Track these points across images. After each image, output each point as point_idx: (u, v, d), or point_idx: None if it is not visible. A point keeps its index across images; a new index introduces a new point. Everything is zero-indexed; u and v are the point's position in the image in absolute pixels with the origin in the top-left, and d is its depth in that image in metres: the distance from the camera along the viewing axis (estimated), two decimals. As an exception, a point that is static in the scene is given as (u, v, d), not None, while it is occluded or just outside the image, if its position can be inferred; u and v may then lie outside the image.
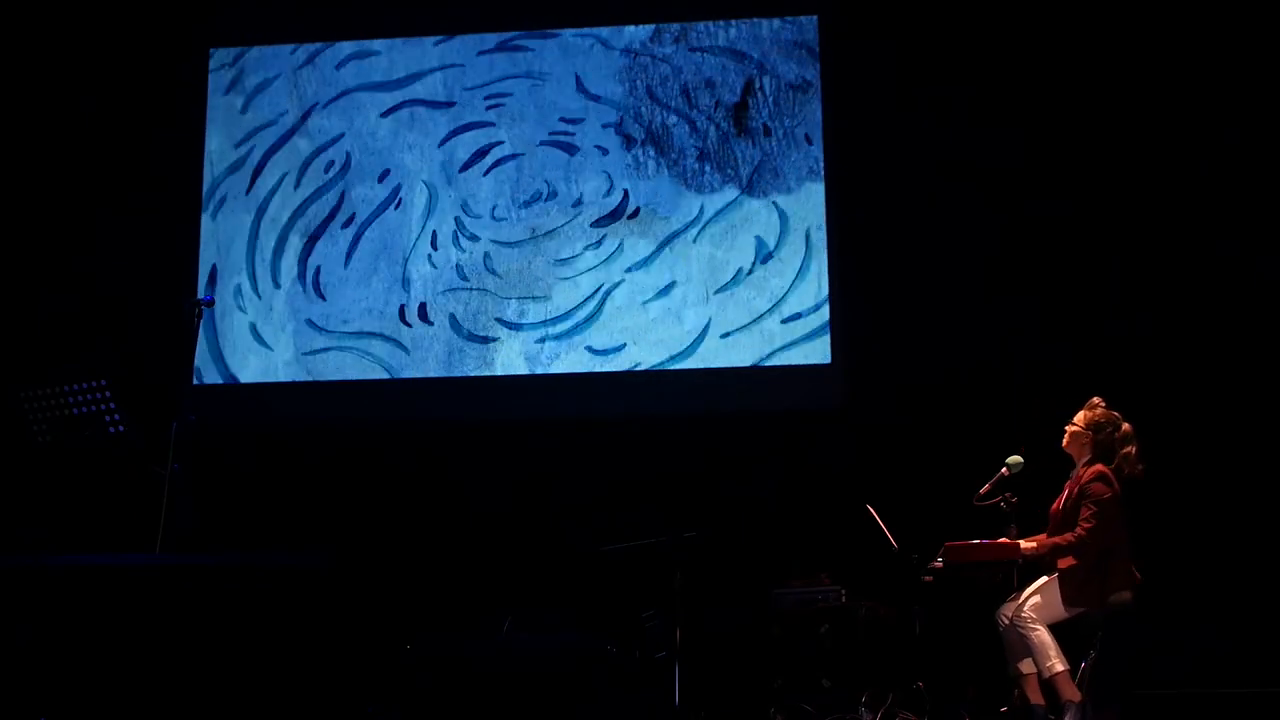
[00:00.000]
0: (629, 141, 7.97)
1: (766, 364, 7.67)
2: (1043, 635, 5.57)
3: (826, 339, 7.64)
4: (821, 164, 7.80)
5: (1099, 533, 5.64)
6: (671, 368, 7.73)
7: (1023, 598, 5.68)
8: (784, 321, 7.69)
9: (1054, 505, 5.90)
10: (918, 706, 6.09)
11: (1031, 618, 5.60)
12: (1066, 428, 5.90)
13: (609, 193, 7.94)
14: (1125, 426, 5.84)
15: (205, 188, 8.21)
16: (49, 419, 5.82)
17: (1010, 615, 5.68)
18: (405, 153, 8.13)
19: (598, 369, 7.79)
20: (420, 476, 7.72)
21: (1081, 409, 5.90)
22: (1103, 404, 5.89)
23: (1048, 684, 5.59)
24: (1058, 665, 5.53)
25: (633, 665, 6.28)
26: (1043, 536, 5.82)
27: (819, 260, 7.72)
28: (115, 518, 6.66)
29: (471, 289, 7.95)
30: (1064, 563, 5.67)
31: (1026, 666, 5.65)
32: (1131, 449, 5.79)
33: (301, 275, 8.08)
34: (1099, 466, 5.75)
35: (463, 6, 8.25)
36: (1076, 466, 5.88)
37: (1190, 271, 7.34)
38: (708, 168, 7.90)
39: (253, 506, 7.53)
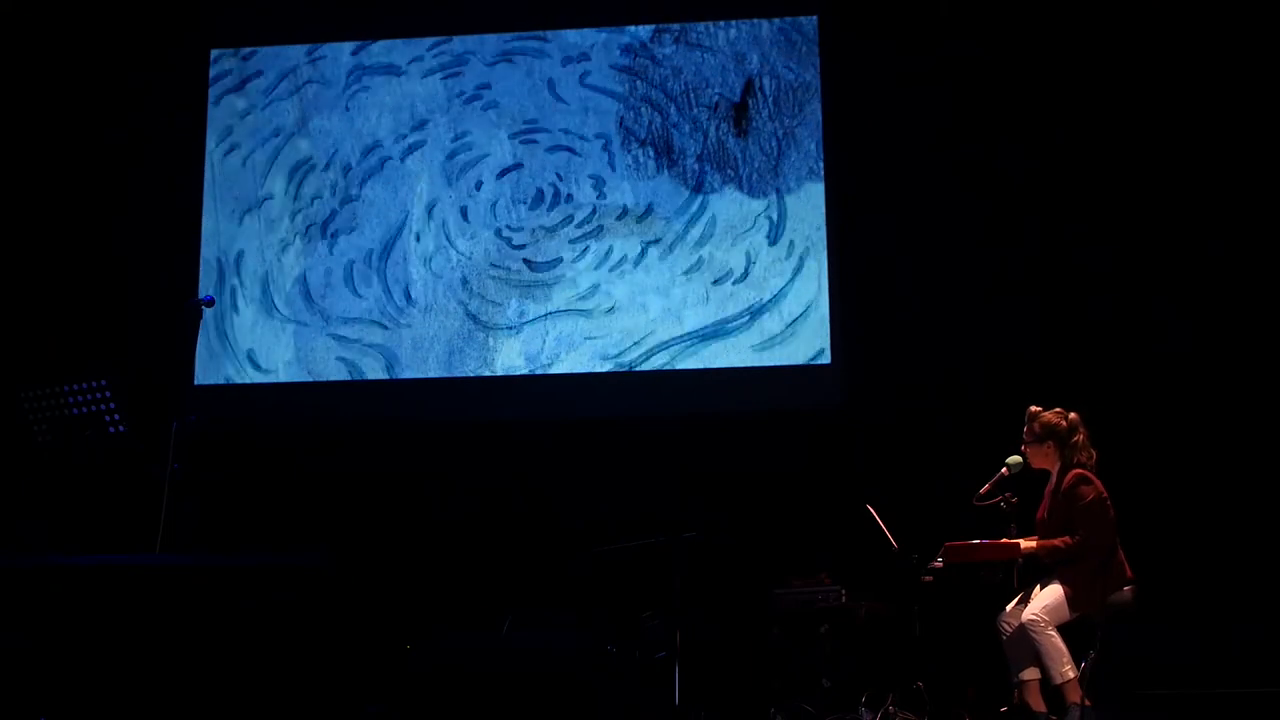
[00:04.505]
0: (629, 142, 7.97)
1: (766, 364, 7.67)
2: (1056, 640, 5.55)
3: (826, 339, 7.64)
4: (821, 164, 7.80)
5: (1096, 535, 5.66)
6: (671, 368, 7.74)
7: (1031, 604, 5.66)
8: (784, 321, 7.69)
9: (1039, 513, 5.91)
10: (918, 706, 6.09)
11: (1045, 621, 5.57)
12: (1023, 448, 5.90)
13: (609, 193, 7.95)
14: (1072, 416, 5.86)
15: (205, 188, 8.21)
16: (49, 419, 5.83)
17: (1016, 622, 5.66)
18: (406, 154, 8.14)
19: (598, 369, 7.79)
20: (420, 476, 7.72)
21: (1024, 427, 5.91)
22: (1040, 409, 5.90)
23: (1052, 689, 5.58)
24: (1070, 672, 5.52)
25: (633, 665, 6.27)
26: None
27: (819, 260, 7.72)
28: (115, 518, 6.66)
29: (472, 289, 7.95)
30: (1065, 568, 5.68)
31: (1029, 674, 5.64)
32: (1080, 436, 5.81)
33: (302, 275, 8.08)
34: (1076, 470, 5.76)
35: (462, 7, 8.25)
36: (1052, 475, 5.88)
37: (1191, 271, 7.34)
38: (707, 168, 7.90)
39: (253, 506, 7.53)
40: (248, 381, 8.00)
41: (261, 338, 8.04)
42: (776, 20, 7.98)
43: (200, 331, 6.63)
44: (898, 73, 7.71)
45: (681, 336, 7.76)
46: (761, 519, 7.33)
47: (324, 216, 8.12)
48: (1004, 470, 5.94)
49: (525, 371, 7.85)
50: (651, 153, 7.95)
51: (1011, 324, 7.41)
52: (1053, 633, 5.57)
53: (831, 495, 7.09)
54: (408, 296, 7.98)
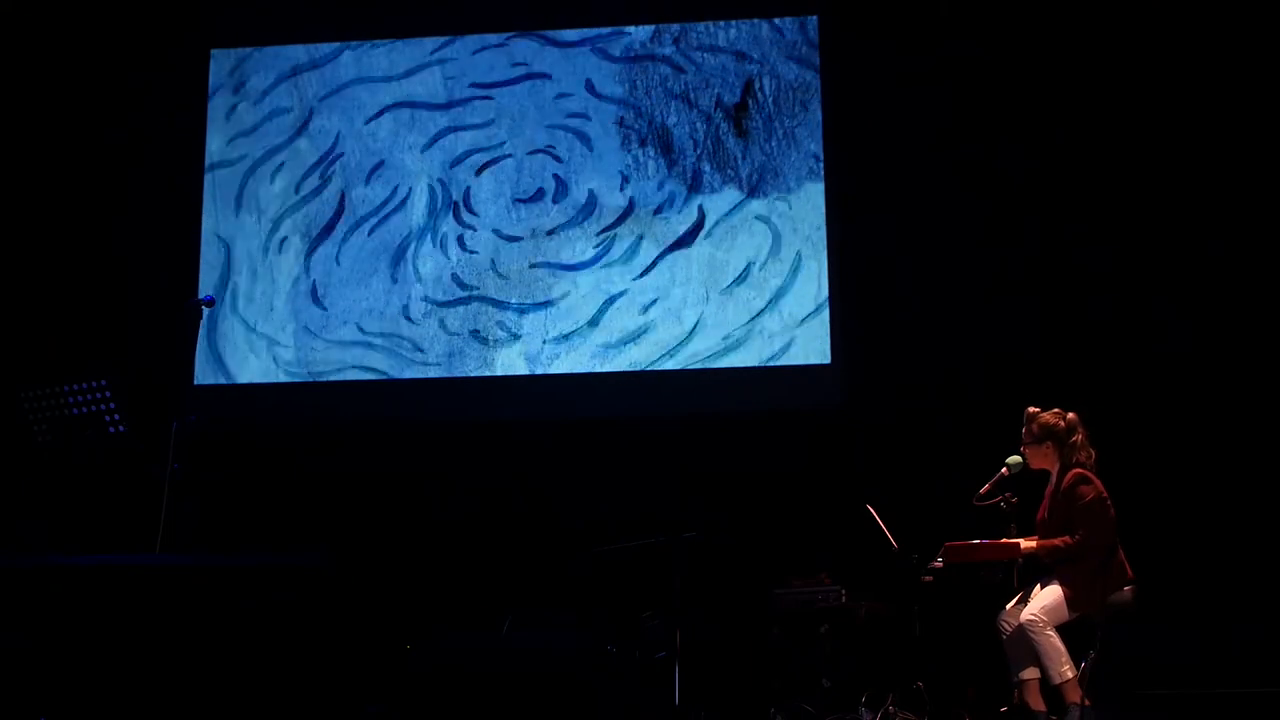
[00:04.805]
0: (629, 142, 7.97)
1: (767, 364, 7.67)
2: (1055, 640, 5.55)
3: (826, 339, 7.64)
4: (821, 164, 7.80)
5: (1096, 535, 5.66)
6: (671, 368, 7.73)
7: (1030, 604, 5.66)
8: (784, 321, 7.69)
9: (1039, 514, 5.91)
10: (918, 706, 6.09)
11: (1044, 621, 5.57)
12: (1022, 449, 5.90)
13: (609, 193, 7.94)
14: (1070, 416, 5.86)
15: (205, 188, 8.21)
16: (49, 419, 5.83)
17: (1015, 622, 5.67)
18: (405, 154, 8.14)
19: (598, 369, 7.79)
20: (421, 477, 7.72)
21: (1023, 427, 5.91)
22: (1038, 409, 5.90)
23: (1052, 689, 5.58)
24: (1069, 672, 5.52)
25: (633, 665, 6.27)
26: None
27: (819, 260, 7.72)
28: (115, 518, 6.66)
29: (471, 289, 7.95)
30: (1065, 568, 5.68)
31: (1029, 673, 5.64)
32: (1079, 436, 5.81)
33: (302, 275, 8.08)
34: (1076, 470, 5.76)
35: (463, 7, 8.25)
36: (1051, 476, 5.89)
37: (1191, 271, 7.35)
38: (707, 168, 7.90)
39: (253, 506, 7.53)
40: (247, 381, 7.99)
41: (261, 338, 8.04)
42: (776, 20, 7.98)
43: (200, 331, 6.63)
44: (898, 73, 7.71)
45: (681, 336, 7.76)
46: (761, 519, 7.33)
47: (324, 216, 8.12)
48: (1004, 470, 5.94)
49: (525, 372, 7.84)
50: (651, 152, 7.95)
51: (1011, 324, 7.41)
52: (1051, 633, 5.57)
53: (831, 495, 7.09)
54: (408, 296, 7.98)
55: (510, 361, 7.86)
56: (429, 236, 8.03)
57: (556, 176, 8.00)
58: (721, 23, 8.02)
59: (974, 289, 7.52)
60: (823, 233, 7.74)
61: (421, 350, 7.93)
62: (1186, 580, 6.55)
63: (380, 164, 8.13)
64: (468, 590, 7.23)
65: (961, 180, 7.56)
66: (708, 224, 7.85)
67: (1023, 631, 5.62)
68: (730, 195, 7.85)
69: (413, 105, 8.17)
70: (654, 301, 7.82)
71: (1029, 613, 5.61)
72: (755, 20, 7.99)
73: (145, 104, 8.23)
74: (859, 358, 7.60)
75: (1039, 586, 5.74)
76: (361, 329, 7.97)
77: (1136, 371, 7.25)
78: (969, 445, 6.56)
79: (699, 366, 7.71)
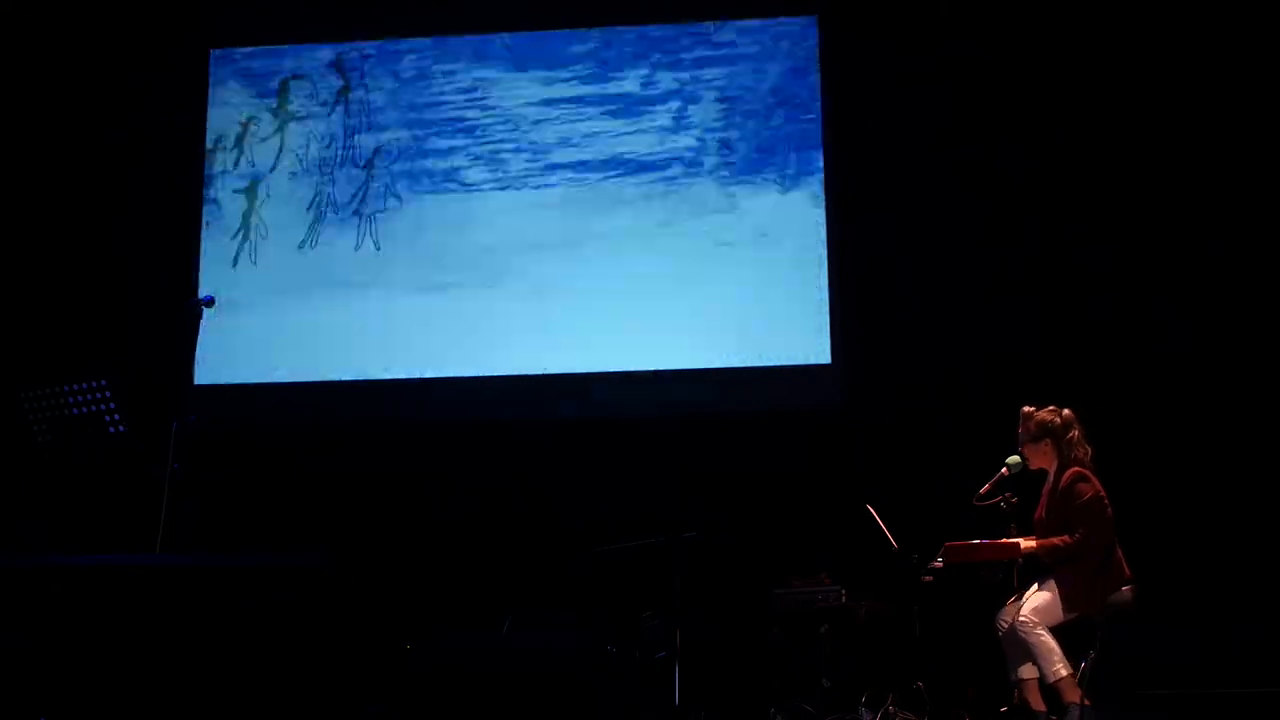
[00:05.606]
0: (629, 141, 7.96)
1: (766, 364, 7.66)
2: (1047, 639, 5.56)
3: (826, 339, 7.64)
4: (821, 164, 7.80)
5: (1094, 534, 5.66)
6: (671, 368, 7.73)
7: (1023, 602, 5.67)
8: (784, 321, 7.69)
9: (1036, 513, 5.91)
10: (918, 706, 6.09)
11: (1034, 621, 5.58)
12: (1021, 449, 5.90)
13: (608, 192, 7.94)
14: (1066, 413, 5.87)
15: (205, 187, 8.22)
16: (49, 419, 5.83)
17: (1010, 620, 5.68)
18: (407, 150, 8.13)
19: (597, 369, 7.79)
20: (420, 476, 7.72)
21: (1019, 428, 5.91)
22: (1033, 408, 5.91)
23: (1050, 688, 5.58)
24: (1062, 670, 5.52)
25: (633, 665, 6.27)
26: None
27: (819, 260, 7.72)
28: (115, 518, 6.66)
29: (471, 289, 7.94)
30: (1064, 568, 5.68)
31: (1027, 672, 5.65)
32: (1075, 432, 5.81)
33: (302, 275, 8.07)
34: (1074, 469, 5.77)
35: (463, 7, 8.26)
36: (1049, 475, 5.89)
37: (1191, 271, 7.35)
38: (707, 168, 7.89)
39: (252, 506, 7.53)
40: (247, 382, 7.99)
41: (261, 337, 8.03)
42: (777, 20, 7.98)
43: (200, 330, 6.61)
44: (898, 73, 7.71)
45: (680, 336, 7.75)
46: (761, 519, 7.33)
47: (323, 215, 8.12)
48: (1004, 470, 5.95)
49: (525, 371, 7.84)
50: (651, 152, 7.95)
51: (1011, 324, 7.41)
52: (1042, 632, 5.57)
53: (831, 495, 7.09)
54: (408, 295, 7.97)
55: (510, 361, 7.86)
56: (428, 236, 8.02)
57: (556, 176, 7.99)
58: (721, 23, 8.02)
59: (974, 289, 7.52)
60: (823, 233, 7.74)
61: (422, 350, 7.92)
62: (1186, 580, 6.55)
63: (382, 161, 8.13)
64: (468, 590, 7.23)
65: (961, 180, 7.56)
66: (707, 223, 7.84)
67: (1016, 631, 5.63)
68: (730, 194, 7.85)
69: (412, 104, 8.17)
70: (654, 301, 7.81)
71: (1021, 613, 5.62)
72: (755, 20, 7.98)
73: (145, 104, 8.23)
74: (859, 358, 7.60)
75: (1035, 586, 5.74)
76: (360, 328, 7.97)
77: (1136, 371, 7.26)
78: (969, 445, 6.56)
79: (699, 366, 7.71)
